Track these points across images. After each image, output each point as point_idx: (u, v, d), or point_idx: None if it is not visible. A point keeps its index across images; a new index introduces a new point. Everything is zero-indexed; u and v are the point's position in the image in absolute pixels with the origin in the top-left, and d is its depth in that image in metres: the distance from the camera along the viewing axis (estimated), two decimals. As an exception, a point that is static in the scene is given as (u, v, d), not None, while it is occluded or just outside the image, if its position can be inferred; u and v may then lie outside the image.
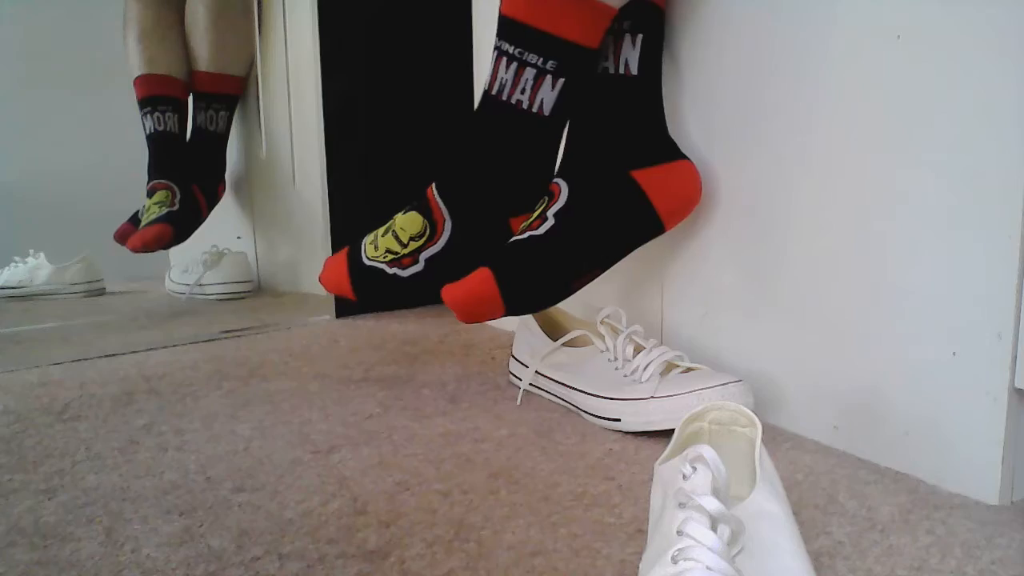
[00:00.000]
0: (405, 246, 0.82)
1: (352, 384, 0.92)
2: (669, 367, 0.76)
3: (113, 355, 1.07)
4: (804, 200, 0.71)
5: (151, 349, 1.10)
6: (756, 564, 0.39)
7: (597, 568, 0.51)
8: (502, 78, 0.77)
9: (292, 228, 1.42)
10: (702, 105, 0.80)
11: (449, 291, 0.78)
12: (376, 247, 0.85)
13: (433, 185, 0.84)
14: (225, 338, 1.17)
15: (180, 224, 1.38)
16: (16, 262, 1.43)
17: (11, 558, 0.53)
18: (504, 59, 0.77)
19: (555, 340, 0.84)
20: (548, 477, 0.65)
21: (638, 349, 0.78)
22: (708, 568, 0.35)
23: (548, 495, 0.62)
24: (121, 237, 1.40)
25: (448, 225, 0.82)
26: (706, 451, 0.42)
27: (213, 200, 1.45)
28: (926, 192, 0.62)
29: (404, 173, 1.27)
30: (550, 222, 0.77)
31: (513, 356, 0.90)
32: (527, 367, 0.85)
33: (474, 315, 0.78)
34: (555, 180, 0.80)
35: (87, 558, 0.53)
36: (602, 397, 0.76)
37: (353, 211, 1.29)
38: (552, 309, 0.91)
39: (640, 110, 0.80)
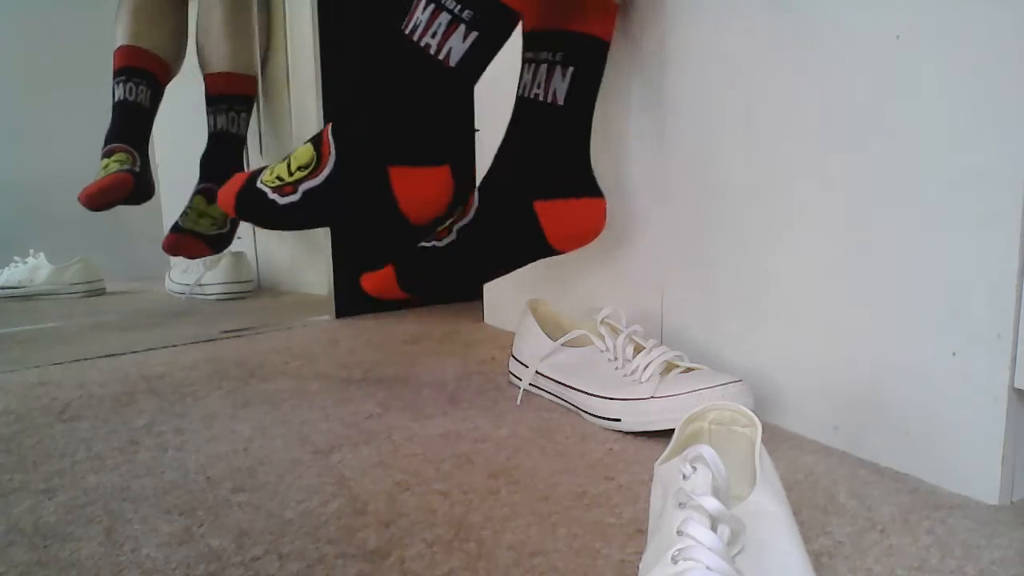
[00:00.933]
0: (292, 175, 0.82)
1: (352, 384, 0.92)
2: (669, 367, 0.76)
3: (113, 355, 1.07)
4: (804, 200, 0.71)
5: (151, 349, 1.10)
6: (756, 564, 0.39)
7: (597, 568, 0.51)
8: (418, 18, 0.76)
9: (292, 228, 1.41)
10: (702, 103, 0.80)
11: (365, 279, 0.90)
12: (272, 171, 0.85)
13: (332, 122, 0.84)
14: (225, 338, 1.17)
15: (140, 182, 1.31)
16: (16, 262, 1.43)
17: (11, 558, 0.53)
18: (424, 0, 0.75)
19: (555, 340, 0.84)
20: (548, 477, 0.65)
21: (638, 349, 0.78)
22: (708, 568, 0.35)
23: (548, 495, 0.62)
24: (171, 247, 1.41)
25: (331, 162, 0.81)
26: (706, 451, 0.42)
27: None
28: (926, 192, 0.62)
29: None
30: (452, 236, 0.86)
31: (513, 356, 0.90)
32: (527, 367, 0.85)
33: (385, 298, 0.91)
34: (475, 191, 0.88)
35: (87, 558, 0.53)
36: (602, 397, 0.76)
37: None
38: (552, 309, 0.91)
39: (561, 140, 0.84)
